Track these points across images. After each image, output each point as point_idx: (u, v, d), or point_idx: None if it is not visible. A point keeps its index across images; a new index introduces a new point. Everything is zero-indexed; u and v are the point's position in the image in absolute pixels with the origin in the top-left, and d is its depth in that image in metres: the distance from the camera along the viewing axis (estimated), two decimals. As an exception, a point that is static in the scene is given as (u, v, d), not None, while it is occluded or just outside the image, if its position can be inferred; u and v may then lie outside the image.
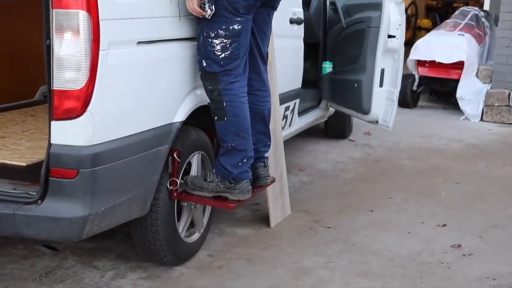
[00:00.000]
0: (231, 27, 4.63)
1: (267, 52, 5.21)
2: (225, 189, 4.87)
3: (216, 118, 4.79)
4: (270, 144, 5.34)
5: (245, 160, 4.88)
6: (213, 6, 4.54)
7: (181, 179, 4.82)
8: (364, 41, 6.93)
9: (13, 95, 6.26)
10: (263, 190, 5.49)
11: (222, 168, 4.84)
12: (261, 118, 5.16)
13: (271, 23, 5.09)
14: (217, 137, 4.93)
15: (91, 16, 3.79)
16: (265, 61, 5.18)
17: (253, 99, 5.04)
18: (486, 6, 12.20)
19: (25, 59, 6.08)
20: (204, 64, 4.68)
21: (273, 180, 5.50)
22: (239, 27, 4.65)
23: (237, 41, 4.69)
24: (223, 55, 4.65)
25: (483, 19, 11.67)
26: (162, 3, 4.49)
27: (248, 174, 4.95)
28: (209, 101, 4.84)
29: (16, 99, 6.27)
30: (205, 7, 4.53)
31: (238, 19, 4.64)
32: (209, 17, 4.57)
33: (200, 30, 4.67)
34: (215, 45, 4.64)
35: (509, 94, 10.26)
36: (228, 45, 4.64)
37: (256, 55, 5.04)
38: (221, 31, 4.61)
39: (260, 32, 4.98)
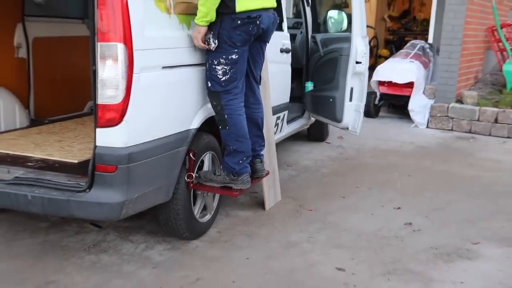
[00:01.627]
0: (230, 57, 4.72)
1: (260, 75, 5.26)
2: (230, 181, 4.93)
3: (220, 127, 4.87)
4: (264, 145, 5.39)
5: (244, 159, 4.96)
6: (216, 41, 4.64)
7: (195, 173, 4.87)
8: (337, 66, 6.94)
9: (68, 109, 6.31)
10: (259, 181, 5.55)
11: (227, 165, 4.91)
12: (256, 125, 5.23)
13: (263, 53, 5.15)
14: (224, 143, 4.98)
15: (127, 47, 3.89)
16: (257, 82, 5.23)
17: (249, 111, 5.10)
18: (430, 40, 12.24)
19: (76, 80, 6.10)
20: (209, 85, 4.77)
21: (267, 173, 5.55)
22: (236, 56, 4.75)
23: (235, 67, 4.77)
24: (223, 78, 4.74)
25: (428, 50, 11.69)
26: (180, 37, 4.56)
27: (247, 169, 5.02)
28: (214, 114, 4.91)
29: (69, 111, 6.31)
30: (210, 42, 4.64)
31: (235, 50, 4.73)
32: (213, 49, 4.66)
33: (207, 58, 4.77)
34: (218, 70, 4.73)
35: (447, 107, 10.30)
36: (227, 71, 4.74)
37: (250, 77, 5.11)
38: (222, 60, 4.71)
39: (253, 60, 5.06)
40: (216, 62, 4.71)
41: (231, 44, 4.70)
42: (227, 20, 4.64)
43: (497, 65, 11.60)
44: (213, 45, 4.62)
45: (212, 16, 4.55)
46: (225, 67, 4.72)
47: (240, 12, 4.64)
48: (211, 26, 4.63)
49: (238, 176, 4.92)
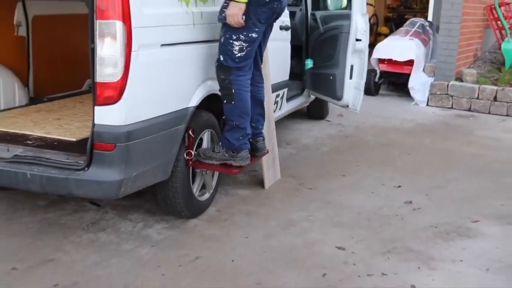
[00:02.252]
0: (250, 34, 4.67)
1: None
2: (229, 158, 4.89)
3: (225, 101, 4.81)
4: (264, 123, 5.33)
5: (244, 135, 4.91)
6: (244, 17, 4.55)
7: (194, 150, 4.82)
8: (338, 44, 6.89)
9: (66, 87, 6.26)
10: (260, 158, 5.51)
11: (226, 141, 4.86)
12: (260, 103, 5.19)
13: (270, 33, 5.10)
14: (224, 117, 4.92)
15: (125, 25, 3.86)
16: (262, 61, 5.21)
17: (254, 89, 5.05)
18: (430, 18, 12.18)
19: (75, 59, 6.05)
20: (222, 59, 4.72)
21: (267, 151, 5.49)
22: (256, 35, 4.71)
23: (252, 45, 4.73)
24: (239, 54, 4.68)
25: (428, 28, 11.62)
26: (179, 14, 4.49)
27: (246, 145, 4.97)
28: (219, 88, 4.85)
29: (68, 89, 6.27)
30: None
31: (257, 29, 4.69)
32: (243, 27, 4.59)
33: (224, 32, 4.70)
34: (235, 46, 4.66)
35: (447, 85, 10.24)
36: (244, 48, 4.68)
37: (258, 56, 5.08)
38: (242, 36, 4.65)
39: (263, 40, 5.02)
40: (235, 38, 4.65)
41: (255, 21, 4.65)
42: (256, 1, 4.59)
43: (496, 43, 11.58)
44: (242, 22, 4.56)
45: None
46: (243, 44, 4.67)
47: None
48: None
49: (237, 153, 4.89)
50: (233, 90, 4.74)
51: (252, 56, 4.82)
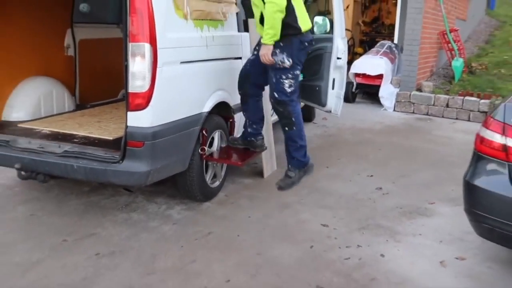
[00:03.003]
0: (295, 72, 4.73)
1: None
2: (303, 174, 5.07)
3: (287, 129, 4.86)
4: (263, 126, 5.33)
5: (306, 151, 4.97)
6: (290, 59, 4.60)
7: (207, 147, 4.80)
8: (322, 61, 6.82)
9: (105, 96, 6.24)
10: (260, 154, 5.51)
11: (297, 161, 4.93)
12: (262, 110, 5.21)
13: None
14: (288, 141, 4.97)
15: (152, 47, 3.88)
16: None
17: (261, 99, 5.05)
18: (396, 40, 12.09)
19: (112, 73, 6.03)
20: (277, 96, 4.77)
21: (266, 147, 5.47)
22: (298, 72, 4.78)
23: (297, 80, 4.80)
24: (289, 90, 4.73)
25: (394, 48, 11.54)
26: (195, 37, 4.46)
27: (309, 158, 5.08)
28: (279, 119, 4.94)
29: (106, 98, 6.25)
30: (284, 60, 4.63)
31: (299, 67, 4.75)
32: (288, 67, 4.64)
33: (274, 74, 4.72)
34: (285, 84, 4.71)
35: (410, 94, 10.19)
36: (292, 84, 4.74)
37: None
38: (290, 75, 4.70)
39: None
40: (284, 77, 4.68)
41: (298, 62, 4.67)
42: (296, 43, 4.62)
43: (447, 61, 11.54)
44: (287, 63, 4.61)
45: (278, 36, 4.50)
46: (291, 81, 4.70)
47: (305, 33, 4.64)
48: (284, 48, 4.60)
49: (306, 166, 4.87)
50: (293, 119, 4.76)
51: (298, 89, 4.82)
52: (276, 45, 4.66)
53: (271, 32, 4.51)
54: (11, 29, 5.08)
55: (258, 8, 4.76)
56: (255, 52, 4.98)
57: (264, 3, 4.60)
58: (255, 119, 5.08)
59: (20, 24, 5.16)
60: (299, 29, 4.60)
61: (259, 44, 4.92)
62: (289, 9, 4.60)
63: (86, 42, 6.04)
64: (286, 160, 5.01)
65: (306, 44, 4.72)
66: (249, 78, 4.97)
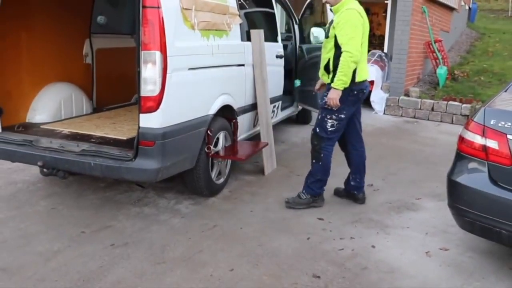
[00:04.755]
0: (340, 115, 4.54)
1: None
2: (313, 201, 4.79)
3: (314, 161, 4.72)
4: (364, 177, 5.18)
5: (323, 185, 4.82)
6: (339, 104, 4.42)
7: (213, 146, 4.77)
8: (318, 68, 6.80)
9: (119, 100, 6.22)
10: (261, 151, 5.50)
11: (311, 190, 4.76)
12: (363, 164, 5.07)
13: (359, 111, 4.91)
14: (310, 172, 4.80)
15: (162, 54, 3.87)
16: (361, 127, 5.04)
17: (358, 153, 5.01)
18: (385, 50, 12.07)
19: (126, 79, 6.02)
20: (318, 130, 4.63)
21: (266, 144, 5.48)
22: (344, 116, 4.56)
23: (341, 123, 4.60)
24: (331, 129, 4.58)
25: (384, 57, 11.49)
26: (202, 46, 4.45)
27: (323, 190, 4.86)
28: (311, 150, 4.77)
29: (121, 101, 6.22)
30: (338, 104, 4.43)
31: (345, 111, 4.54)
32: (335, 109, 4.48)
33: (321, 111, 4.59)
34: (328, 122, 4.56)
35: (398, 99, 10.16)
36: (335, 124, 4.57)
37: (358, 127, 4.92)
38: (334, 116, 4.53)
39: (358, 115, 4.87)
40: (328, 117, 4.56)
41: (345, 106, 4.50)
42: (346, 90, 4.44)
43: (432, 69, 11.52)
44: (339, 104, 4.43)
45: (348, 84, 4.38)
46: (335, 122, 4.56)
47: (359, 83, 4.50)
48: (343, 94, 4.42)
49: (318, 197, 4.80)
50: (322, 155, 4.65)
51: (341, 131, 4.67)
52: (329, 87, 4.52)
53: (344, 79, 4.34)
54: (35, 41, 5.08)
55: (327, 54, 4.57)
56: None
57: (335, 51, 4.45)
58: (359, 171, 4.99)
59: (43, 35, 5.16)
60: (353, 78, 4.44)
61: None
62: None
63: (103, 51, 6.04)
64: (304, 184, 4.93)
65: (356, 92, 4.55)
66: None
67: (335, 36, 4.43)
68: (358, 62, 4.37)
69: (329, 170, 4.79)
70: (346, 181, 5.06)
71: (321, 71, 4.72)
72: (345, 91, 4.43)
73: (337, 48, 4.43)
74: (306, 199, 4.78)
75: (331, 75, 4.53)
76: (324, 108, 4.56)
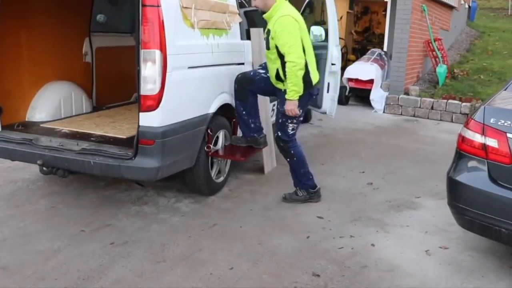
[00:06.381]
0: (299, 118, 4.67)
1: None
2: (310, 196, 4.89)
3: (288, 159, 4.83)
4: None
5: (311, 175, 4.89)
6: (301, 110, 4.55)
7: (212, 145, 4.77)
8: (318, 66, 6.72)
9: (119, 98, 6.22)
10: (261, 151, 5.50)
11: (305, 184, 4.85)
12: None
13: None
14: (291, 169, 4.91)
15: (162, 53, 3.86)
16: None
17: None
18: (385, 48, 12.05)
19: (125, 78, 6.00)
20: (280, 134, 4.74)
21: (267, 145, 5.44)
22: (302, 118, 4.74)
23: (299, 124, 4.75)
24: (291, 132, 4.69)
25: (383, 56, 11.49)
26: (201, 45, 4.44)
27: (314, 182, 4.94)
28: (280, 151, 4.90)
29: (120, 100, 6.22)
30: (296, 112, 4.51)
31: (303, 113, 4.67)
32: (298, 116, 4.59)
33: (281, 117, 4.67)
34: (289, 127, 4.67)
35: (398, 98, 10.16)
36: (295, 127, 4.70)
37: None
38: (295, 121, 4.65)
39: None
40: (289, 122, 4.66)
41: (303, 109, 4.62)
42: (307, 95, 4.56)
43: (432, 67, 11.51)
44: (298, 113, 4.55)
45: (301, 92, 4.45)
46: (295, 125, 4.69)
47: (315, 86, 4.62)
48: (298, 100, 4.49)
49: (313, 189, 4.85)
50: (292, 152, 4.77)
51: (298, 129, 4.80)
52: (285, 92, 4.54)
53: (296, 89, 4.38)
54: (35, 39, 5.08)
55: (274, 65, 4.58)
56: (268, 74, 4.82)
57: (281, 60, 4.47)
58: (256, 115, 5.03)
59: (43, 34, 5.15)
60: (311, 82, 4.52)
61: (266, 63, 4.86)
62: (305, 65, 4.48)
63: (102, 49, 6.03)
64: (297, 183, 4.96)
65: (314, 96, 4.73)
66: (252, 85, 4.87)
67: (276, 47, 4.45)
68: (303, 68, 4.40)
69: (306, 158, 4.88)
70: (245, 130, 5.09)
71: (273, 80, 4.73)
72: (305, 97, 4.54)
73: (282, 57, 4.45)
74: (303, 196, 4.83)
75: (285, 83, 4.53)
76: (284, 114, 4.61)
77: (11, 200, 4.71)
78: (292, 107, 4.46)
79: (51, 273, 3.46)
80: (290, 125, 4.65)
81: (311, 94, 4.63)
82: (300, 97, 4.46)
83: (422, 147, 7.45)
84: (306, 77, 4.46)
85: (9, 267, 3.52)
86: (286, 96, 4.44)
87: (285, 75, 4.47)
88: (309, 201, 4.84)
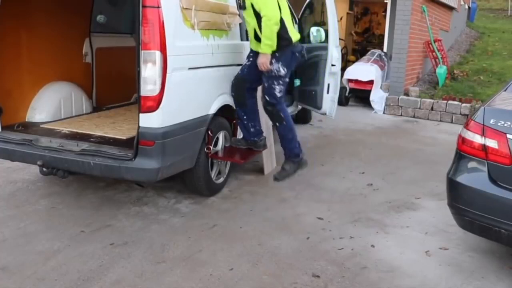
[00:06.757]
0: (285, 79, 4.78)
1: None
2: (298, 166, 5.15)
3: (277, 124, 4.91)
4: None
5: (298, 144, 5.03)
6: (285, 68, 4.68)
7: (212, 146, 4.77)
8: (318, 68, 6.81)
9: (119, 99, 6.22)
10: (261, 152, 5.47)
11: (292, 152, 5.06)
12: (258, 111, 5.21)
13: None
14: (280, 136, 5.04)
15: (162, 54, 3.86)
16: None
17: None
18: (385, 49, 12.07)
19: (125, 78, 6.00)
20: (268, 99, 4.83)
21: (267, 147, 5.44)
22: (287, 79, 4.84)
23: (285, 86, 4.84)
24: (279, 94, 4.78)
25: (383, 56, 11.50)
26: (202, 46, 4.44)
27: (302, 151, 5.15)
28: (270, 117, 4.99)
29: (120, 101, 6.22)
30: (280, 69, 4.68)
31: (288, 75, 4.80)
32: (283, 75, 4.71)
33: (267, 80, 4.76)
34: (276, 89, 4.77)
35: (398, 99, 10.17)
36: (282, 89, 4.79)
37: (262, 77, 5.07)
38: (281, 81, 4.75)
39: None
40: (276, 83, 4.74)
41: (288, 70, 4.74)
42: (289, 53, 4.69)
43: (432, 68, 11.52)
44: (283, 72, 4.66)
45: (275, 46, 4.58)
46: (282, 87, 4.77)
47: (296, 43, 4.72)
48: (280, 58, 4.65)
49: (301, 158, 4.91)
50: (282, 115, 4.84)
51: (285, 91, 4.91)
52: (272, 55, 4.68)
53: (269, 42, 4.55)
54: (35, 40, 5.08)
55: (251, 25, 4.77)
56: (250, 59, 4.97)
57: (257, 19, 4.63)
58: (255, 119, 5.07)
59: (43, 34, 5.15)
60: (290, 39, 4.67)
61: (252, 52, 4.94)
62: (281, 22, 4.64)
63: (103, 50, 6.03)
64: (283, 153, 5.05)
65: (297, 54, 4.81)
66: (246, 82, 4.95)
67: (252, 6, 4.62)
68: (278, 23, 4.53)
69: (294, 127, 4.98)
70: (245, 133, 5.16)
71: (252, 42, 4.83)
72: (288, 55, 4.68)
73: (258, 16, 4.60)
74: (290, 168, 5.00)
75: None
76: (270, 77, 4.70)
77: (11, 201, 4.71)
78: (264, 60, 4.60)
79: (51, 273, 3.46)
80: (277, 87, 4.71)
81: (293, 53, 4.74)
82: (283, 55, 4.61)
83: (422, 148, 7.46)
84: (284, 34, 4.62)
85: (9, 268, 3.52)
86: (260, 50, 4.56)
87: (262, 32, 4.60)
88: (298, 170, 5.00)
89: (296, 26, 7.34)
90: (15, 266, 3.54)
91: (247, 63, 5.02)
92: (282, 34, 4.61)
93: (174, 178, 4.64)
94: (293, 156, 4.90)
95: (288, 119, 4.86)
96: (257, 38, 4.72)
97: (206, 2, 4.54)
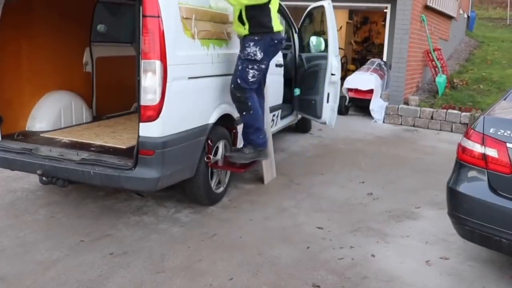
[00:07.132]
0: (261, 66, 4.72)
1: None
2: (258, 155, 4.94)
3: (244, 113, 4.83)
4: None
5: (263, 134, 4.93)
6: (262, 53, 4.63)
7: (212, 155, 4.77)
8: (318, 77, 6.84)
9: (119, 108, 6.23)
10: (262, 161, 5.48)
11: (254, 142, 4.88)
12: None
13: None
14: (245, 125, 4.90)
15: (162, 64, 3.87)
16: (265, 84, 5.36)
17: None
18: (384, 58, 12.10)
19: (125, 88, 6.01)
20: (239, 82, 4.71)
21: (267, 158, 5.42)
22: (264, 66, 4.80)
23: (260, 73, 4.79)
24: (251, 79, 4.70)
25: (383, 66, 11.54)
26: (202, 55, 4.46)
27: (266, 142, 5.05)
28: (236, 104, 4.83)
29: (120, 110, 6.24)
30: (257, 53, 4.63)
31: (265, 62, 4.78)
32: (259, 60, 4.66)
33: (241, 62, 4.71)
34: (249, 73, 4.68)
35: (398, 108, 10.18)
36: (256, 75, 4.71)
37: (262, 82, 5.19)
38: (256, 67, 4.69)
39: (267, 70, 5.11)
40: (250, 67, 4.68)
41: (265, 56, 4.70)
42: (268, 39, 4.66)
43: (432, 77, 11.55)
44: (259, 56, 4.63)
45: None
46: (256, 72, 4.70)
47: (277, 32, 4.73)
48: (258, 42, 4.63)
49: (263, 149, 4.88)
50: (249, 103, 4.74)
51: (260, 80, 4.86)
52: (251, 38, 4.65)
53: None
54: (35, 49, 5.10)
55: (238, 6, 4.67)
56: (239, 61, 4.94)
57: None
58: (262, 125, 5.05)
59: (43, 44, 5.17)
60: (272, 28, 4.66)
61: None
62: (267, 11, 4.64)
63: (103, 59, 6.04)
64: (246, 141, 5.00)
65: (276, 41, 4.76)
66: (242, 77, 4.92)
67: None
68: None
69: (261, 117, 4.92)
70: (253, 142, 5.08)
71: (236, 24, 4.79)
72: (266, 41, 4.65)
73: None
74: (250, 153, 4.92)
75: (246, 26, 4.66)
76: (245, 59, 4.68)
77: (10, 210, 4.70)
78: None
79: (50, 283, 3.45)
80: (251, 71, 4.67)
81: (272, 39, 4.71)
82: (262, 39, 4.62)
83: (422, 157, 7.46)
84: (267, 22, 4.64)
85: (8, 277, 3.51)
86: (240, 32, 4.64)
87: (247, 17, 4.61)
88: (257, 159, 4.96)
89: (295, 35, 7.39)
90: (14, 276, 3.53)
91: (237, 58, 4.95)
92: (265, 21, 4.61)
93: (174, 187, 4.63)
94: (256, 145, 4.88)
95: (255, 108, 4.77)
96: (240, 19, 4.68)
97: (206, 11, 4.56)
